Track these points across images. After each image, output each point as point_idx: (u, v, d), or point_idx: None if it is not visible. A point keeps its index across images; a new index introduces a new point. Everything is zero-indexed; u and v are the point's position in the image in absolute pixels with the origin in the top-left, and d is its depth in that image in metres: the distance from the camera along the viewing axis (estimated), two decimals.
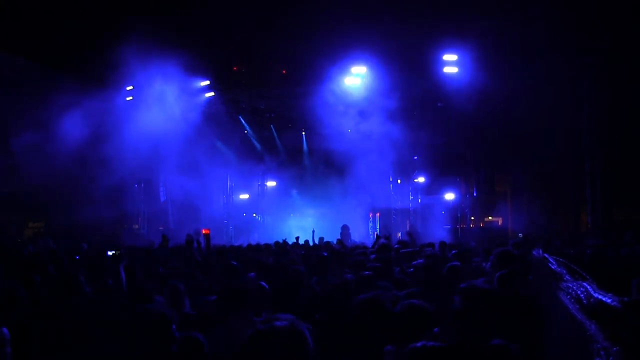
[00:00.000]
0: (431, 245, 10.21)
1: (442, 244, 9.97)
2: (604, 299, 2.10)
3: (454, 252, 8.24)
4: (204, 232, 12.41)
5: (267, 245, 11.69)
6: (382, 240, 11.22)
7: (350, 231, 18.47)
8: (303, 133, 23.43)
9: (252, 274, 5.89)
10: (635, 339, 2.18)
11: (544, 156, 18.85)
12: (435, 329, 2.87)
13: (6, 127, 16.03)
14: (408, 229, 19.38)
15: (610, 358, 1.59)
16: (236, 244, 14.43)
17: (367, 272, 5.57)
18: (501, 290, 4.37)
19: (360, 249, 10.14)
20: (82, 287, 3.80)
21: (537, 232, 15.68)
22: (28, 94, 17.30)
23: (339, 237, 17.00)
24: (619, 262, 6.85)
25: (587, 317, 2.09)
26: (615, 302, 2.07)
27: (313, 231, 14.85)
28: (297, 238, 12.66)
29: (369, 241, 18.88)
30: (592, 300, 2.15)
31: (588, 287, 2.27)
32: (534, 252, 2.80)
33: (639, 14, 14.99)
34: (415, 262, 7.04)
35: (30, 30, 17.01)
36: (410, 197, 22.19)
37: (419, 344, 2.68)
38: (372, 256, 7.76)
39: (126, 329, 2.70)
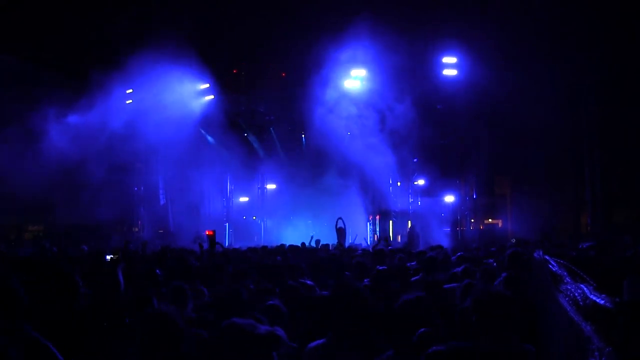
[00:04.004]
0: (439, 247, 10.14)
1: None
2: (597, 300, 2.11)
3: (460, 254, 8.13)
4: (207, 233, 12.36)
5: (264, 247, 11.65)
6: (380, 246, 11.20)
7: (347, 231, 18.40)
8: (303, 136, 23.43)
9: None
10: (627, 338, 2.20)
11: (544, 158, 18.86)
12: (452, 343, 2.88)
13: (5, 129, 16.04)
14: (409, 231, 19.36)
15: (604, 358, 1.60)
16: (236, 247, 14.40)
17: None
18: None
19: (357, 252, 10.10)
20: (79, 289, 3.80)
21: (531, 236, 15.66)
22: (25, 96, 17.32)
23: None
24: (621, 263, 6.83)
25: (583, 319, 2.10)
26: (607, 303, 2.08)
27: (312, 237, 14.79)
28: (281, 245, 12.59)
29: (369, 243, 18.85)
30: (587, 301, 2.16)
31: (585, 288, 2.27)
32: (535, 254, 2.80)
33: (638, 17, 15.01)
34: (409, 264, 7.06)
35: (30, 32, 17.03)
36: (410, 200, 22.18)
37: (438, 348, 2.70)
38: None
39: (131, 332, 2.68)
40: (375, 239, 20.65)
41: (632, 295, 3.76)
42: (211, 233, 12.19)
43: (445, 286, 5.33)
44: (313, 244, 13.92)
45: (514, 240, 13.29)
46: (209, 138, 21.93)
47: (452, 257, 7.94)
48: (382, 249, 8.51)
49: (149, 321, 2.69)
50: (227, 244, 20.50)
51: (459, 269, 6.02)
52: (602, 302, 2.07)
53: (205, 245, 11.46)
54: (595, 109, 18.00)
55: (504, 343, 2.81)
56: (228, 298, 3.82)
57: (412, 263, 7.34)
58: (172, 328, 2.66)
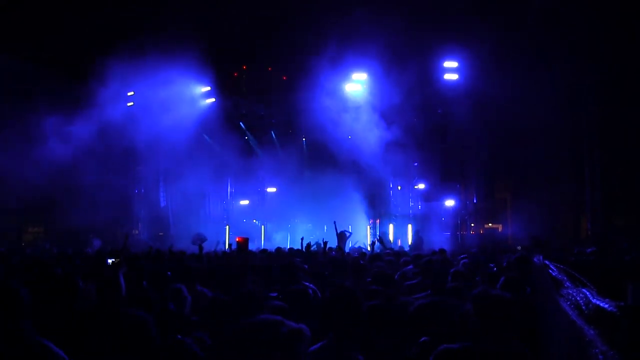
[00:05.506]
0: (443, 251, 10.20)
1: None
2: (601, 304, 2.11)
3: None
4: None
5: (263, 251, 11.62)
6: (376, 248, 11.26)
7: (348, 235, 18.38)
8: (303, 139, 23.43)
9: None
10: (631, 342, 2.19)
11: (544, 163, 18.82)
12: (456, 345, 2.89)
13: (6, 132, 16.05)
14: (414, 236, 19.36)
15: None
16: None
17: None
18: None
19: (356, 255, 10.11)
20: (79, 291, 3.80)
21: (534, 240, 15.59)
22: (25, 97, 17.33)
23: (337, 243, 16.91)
24: (620, 266, 6.83)
25: (586, 323, 2.09)
26: (612, 308, 2.08)
27: (302, 238, 14.63)
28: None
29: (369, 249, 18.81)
30: (590, 306, 2.16)
31: (587, 293, 2.27)
32: (535, 259, 2.81)
33: (638, 18, 15.01)
34: (406, 268, 7.06)
35: (30, 32, 17.05)
36: (411, 204, 22.16)
37: (449, 346, 2.70)
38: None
39: (110, 334, 2.66)
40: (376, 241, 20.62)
41: (636, 300, 3.76)
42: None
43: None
44: (315, 247, 13.85)
45: (520, 247, 13.24)
46: (210, 141, 21.94)
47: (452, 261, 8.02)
48: (377, 253, 8.71)
49: (118, 323, 2.68)
50: (227, 247, 20.46)
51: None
52: (607, 306, 2.07)
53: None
54: (595, 109, 17.95)
55: (505, 344, 2.82)
56: (236, 299, 3.79)
57: (409, 267, 7.34)
58: (138, 332, 2.63)
